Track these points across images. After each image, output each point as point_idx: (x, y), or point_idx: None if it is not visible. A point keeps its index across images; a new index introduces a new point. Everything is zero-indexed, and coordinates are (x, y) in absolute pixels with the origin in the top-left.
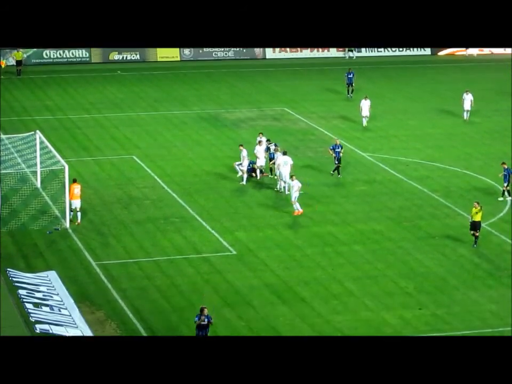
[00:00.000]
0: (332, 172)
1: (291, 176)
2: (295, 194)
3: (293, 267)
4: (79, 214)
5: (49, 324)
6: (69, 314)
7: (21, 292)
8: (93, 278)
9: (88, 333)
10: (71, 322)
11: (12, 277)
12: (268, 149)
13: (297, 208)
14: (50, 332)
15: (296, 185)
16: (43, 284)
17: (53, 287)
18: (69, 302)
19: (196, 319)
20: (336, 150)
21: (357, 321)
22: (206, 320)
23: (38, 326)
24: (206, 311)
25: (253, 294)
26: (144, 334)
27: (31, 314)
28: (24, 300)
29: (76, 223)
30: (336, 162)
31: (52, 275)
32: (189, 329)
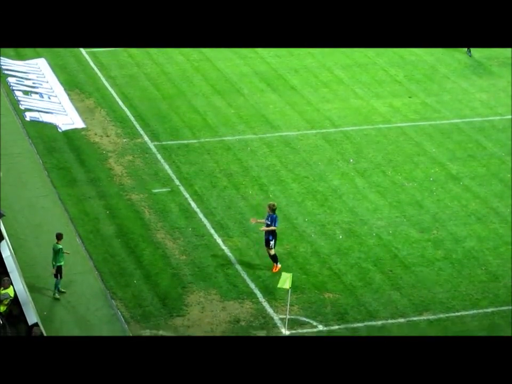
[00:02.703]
0: None
1: None
2: None
3: (283, 55)
4: None
5: (39, 111)
6: (58, 102)
7: (10, 79)
8: (82, 66)
9: (78, 120)
10: (60, 110)
11: (1, 65)
12: None
13: None
14: (40, 119)
15: None
16: (33, 72)
17: (43, 74)
18: (59, 89)
19: (276, 220)
20: None
21: (346, 109)
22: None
23: (28, 113)
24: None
25: (243, 82)
26: (133, 120)
27: (21, 102)
28: (13, 88)
29: None
30: None
31: (42, 62)
32: (179, 117)
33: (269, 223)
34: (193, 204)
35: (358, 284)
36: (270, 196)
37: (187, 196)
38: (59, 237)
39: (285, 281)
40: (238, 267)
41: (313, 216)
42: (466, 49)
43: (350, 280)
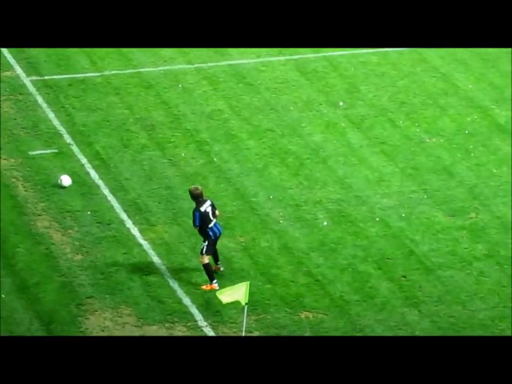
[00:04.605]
0: None
1: None
2: None
3: None
4: None
5: None
6: None
7: None
8: None
9: None
10: None
11: None
12: None
13: None
14: None
15: None
16: None
17: None
18: None
19: (197, 216)
20: None
21: None
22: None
23: None
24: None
25: None
26: None
27: None
28: None
29: None
30: None
31: None
32: None
33: None
34: (93, 173)
35: (353, 297)
36: (214, 159)
37: (84, 160)
38: None
39: (239, 293)
40: (165, 272)
41: (282, 191)
42: None
43: (340, 291)
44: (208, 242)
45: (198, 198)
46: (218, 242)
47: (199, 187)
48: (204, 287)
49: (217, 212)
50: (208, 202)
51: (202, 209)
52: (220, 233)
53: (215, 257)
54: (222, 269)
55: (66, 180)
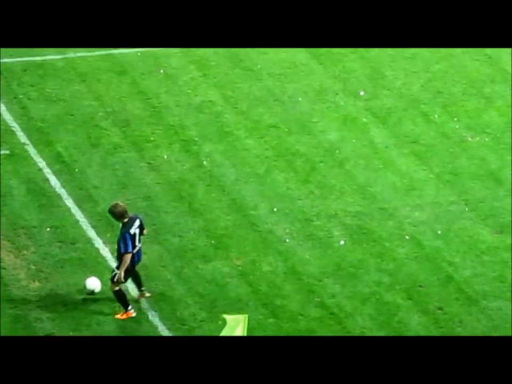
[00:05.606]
0: None
1: None
2: None
3: None
4: None
5: None
6: None
7: None
8: None
9: None
10: None
11: None
12: None
13: None
14: None
15: None
16: None
17: None
18: None
19: (128, 238)
20: None
21: None
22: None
23: None
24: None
25: None
26: None
27: None
28: None
29: None
30: None
31: None
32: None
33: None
34: (53, 180)
35: (377, 334)
36: (204, 163)
37: (42, 164)
38: None
39: (234, 329)
40: (143, 302)
41: (288, 202)
42: None
43: (360, 327)
44: (126, 270)
45: (123, 217)
46: (209, 266)
47: (120, 203)
48: (119, 315)
49: (145, 231)
50: (137, 222)
51: (132, 231)
52: (140, 261)
53: (138, 283)
54: (147, 294)
55: (96, 285)
